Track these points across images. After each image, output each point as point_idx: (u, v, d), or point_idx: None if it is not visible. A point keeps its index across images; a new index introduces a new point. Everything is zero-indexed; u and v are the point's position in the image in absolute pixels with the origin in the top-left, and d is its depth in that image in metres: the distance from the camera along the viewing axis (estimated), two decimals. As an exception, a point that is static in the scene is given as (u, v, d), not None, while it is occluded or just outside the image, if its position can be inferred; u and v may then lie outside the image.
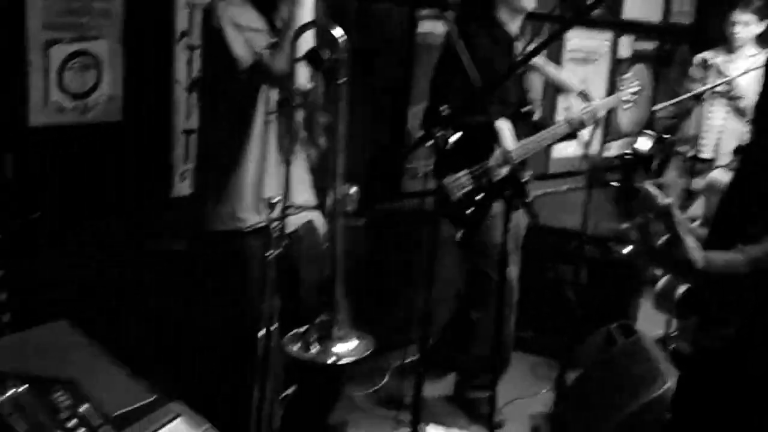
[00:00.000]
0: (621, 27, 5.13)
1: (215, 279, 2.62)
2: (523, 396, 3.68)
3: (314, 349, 1.92)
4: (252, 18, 2.41)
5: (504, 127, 3.18)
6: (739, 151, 3.00)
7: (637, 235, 1.47)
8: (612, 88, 4.99)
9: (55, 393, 1.52)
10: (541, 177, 4.68)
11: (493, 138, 3.05)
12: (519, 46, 3.32)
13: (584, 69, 4.89)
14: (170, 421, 1.35)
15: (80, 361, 1.65)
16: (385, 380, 3.74)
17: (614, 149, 5.15)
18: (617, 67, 5.16)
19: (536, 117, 3.40)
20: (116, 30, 2.84)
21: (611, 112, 4.45)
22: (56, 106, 2.75)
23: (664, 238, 1.43)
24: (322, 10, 2.36)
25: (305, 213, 2.51)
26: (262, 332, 2.08)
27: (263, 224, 2.03)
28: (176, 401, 1.41)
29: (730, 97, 4.47)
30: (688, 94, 4.36)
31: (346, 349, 1.93)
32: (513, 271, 3.39)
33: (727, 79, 4.35)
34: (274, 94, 2.46)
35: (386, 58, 3.73)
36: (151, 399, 1.44)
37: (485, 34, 3.23)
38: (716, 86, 4.34)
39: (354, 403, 3.53)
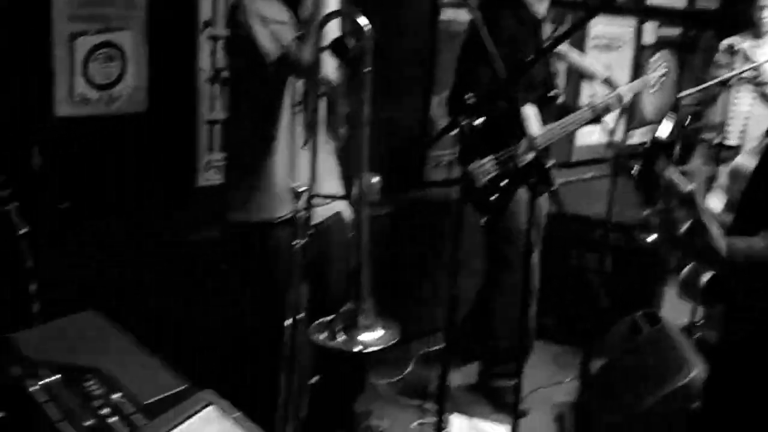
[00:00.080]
0: (645, 13, 5.08)
1: (244, 269, 2.64)
2: (547, 385, 3.67)
3: (340, 338, 1.92)
4: (277, 10, 2.42)
5: (530, 112, 3.16)
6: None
7: (659, 223, 1.45)
8: (636, 75, 4.94)
9: (87, 382, 1.54)
10: (565, 165, 4.67)
11: (518, 124, 3.03)
12: (546, 27, 3.30)
13: (608, 56, 4.85)
14: (201, 409, 1.36)
15: (110, 350, 1.67)
16: (409, 369, 3.75)
17: (638, 137, 5.11)
18: (641, 53, 5.10)
19: (561, 101, 3.39)
20: (140, 21, 2.85)
21: (637, 98, 4.40)
22: (82, 98, 2.78)
23: (687, 225, 1.42)
24: (347, -1, 2.36)
25: (333, 203, 2.52)
26: (288, 322, 2.10)
27: (291, 215, 2.04)
28: (206, 390, 1.42)
29: (757, 83, 4.42)
30: (714, 81, 4.32)
31: (371, 337, 1.93)
32: (534, 256, 3.38)
33: (754, 65, 4.30)
34: (301, 86, 2.47)
35: (409, 47, 3.72)
36: (182, 387, 1.46)
37: (510, 16, 3.20)
38: (743, 72, 4.29)
39: (378, 392, 3.54)
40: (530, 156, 3.19)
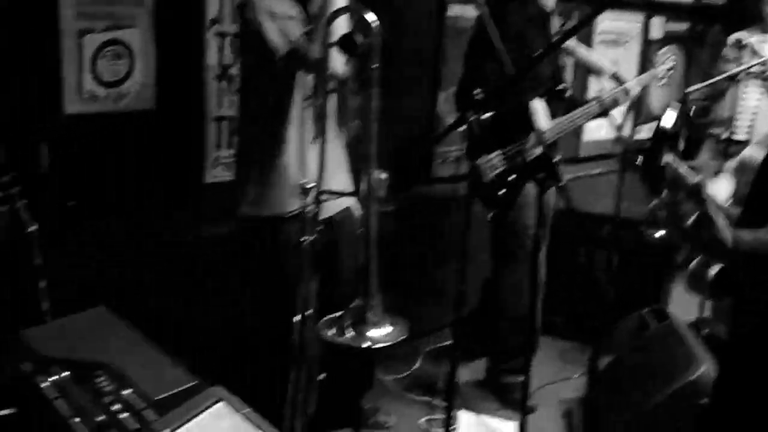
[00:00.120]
0: (653, 8, 5.06)
1: (254, 265, 2.64)
2: (555, 381, 3.67)
3: (349, 334, 1.93)
4: (286, 6, 2.43)
5: (538, 107, 3.16)
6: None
7: (666, 215, 1.45)
8: (643, 71, 4.93)
9: (98, 378, 1.55)
10: (572, 160, 4.66)
11: (526, 118, 3.03)
12: (554, 21, 3.29)
13: (615, 51, 4.84)
14: (212, 405, 1.37)
15: (121, 346, 1.67)
16: (416, 365, 3.75)
17: (646, 132, 5.09)
18: (648, 48, 5.09)
19: (569, 94, 3.38)
20: (148, 18, 2.86)
21: (644, 93, 4.39)
22: (90, 95, 2.79)
23: (694, 217, 1.41)
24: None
25: (342, 199, 2.53)
26: (297, 318, 2.10)
27: (301, 210, 2.05)
28: (216, 386, 1.42)
29: (765, 77, 4.39)
30: (723, 75, 4.30)
31: (380, 334, 1.94)
32: (541, 252, 3.38)
33: (762, 59, 4.28)
34: (311, 81, 2.48)
35: (416, 43, 3.72)
36: (192, 384, 1.46)
37: (518, 11, 3.19)
38: (751, 67, 4.27)
39: (386, 388, 3.54)
40: (538, 151, 3.19)
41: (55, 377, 1.56)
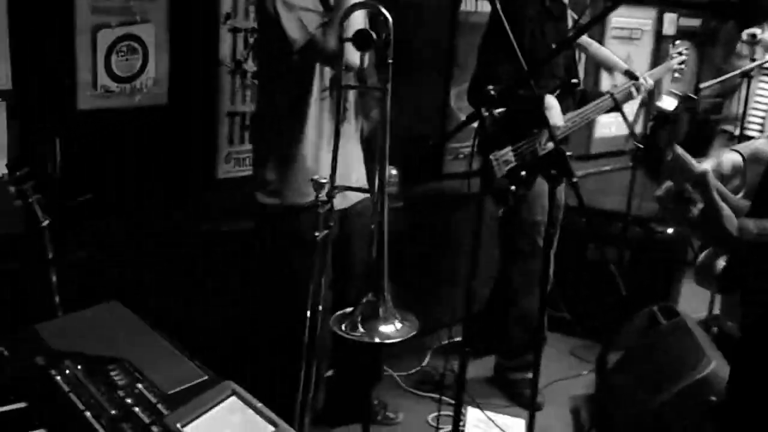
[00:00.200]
0: (666, 3, 5.04)
1: (266, 259, 2.66)
2: (564, 377, 3.68)
3: (360, 329, 1.94)
4: None
5: (551, 102, 3.16)
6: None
7: (672, 204, 1.44)
8: (656, 67, 4.91)
9: (111, 372, 1.56)
10: (583, 157, 4.65)
11: (538, 114, 3.03)
12: (569, 16, 3.28)
13: (627, 47, 4.82)
14: (225, 399, 1.38)
15: (133, 340, 1.68)
16: (425, 361, 3.76)
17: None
18: (661, 44, 5.07)
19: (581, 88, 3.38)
20: (162, 14, 2.87)
21: (657, 89, 4.37)
22: (104, 90, 2.80)
23: (699, 206, 1.41)
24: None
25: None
26: (309, 312, 2.12)
27: (316, 203, 2.07)
28: (229, 380, 1.44)
29: (779, 74, 4.38)
30: (736, 72, 4.28)
31: (391, 329, 1.95)
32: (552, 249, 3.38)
33: (775, 56, 4.26)
34: (328, 72, 2.50)
35: (429, 38, 3.72)
36: (205, 378, 1.47)
37: (533, 6, 3.18)
38: (764, 63, 4.25)
39: (394, 384, 3.56)
40: (550, 146, 3.18)
41: (69, 371, 1.58)
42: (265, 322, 2.71)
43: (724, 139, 4.72)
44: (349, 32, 2.02)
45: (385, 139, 1.97)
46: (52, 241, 2.43)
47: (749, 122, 4.48)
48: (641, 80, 3.40)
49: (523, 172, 3.22)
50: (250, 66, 3.12)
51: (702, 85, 4.51)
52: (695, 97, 3.62)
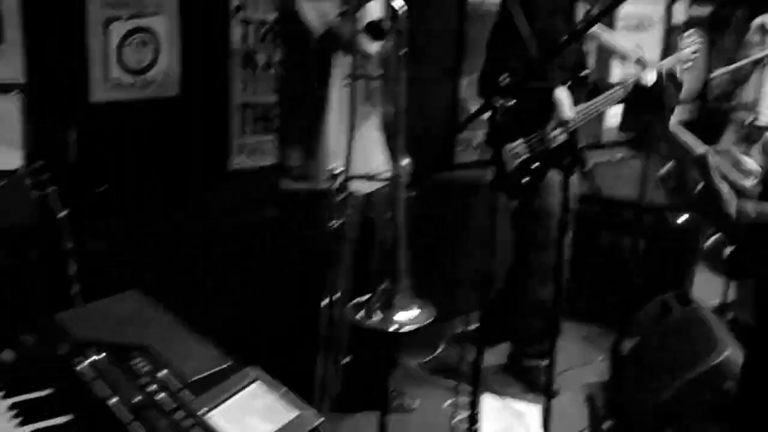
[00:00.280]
0: (675, -9, 5.03)
1: (294, 242, 2.68)
2: (578, 365, 3.68)
3: (377, 316, 1.95)
4: None
5: (562, 94, 3.15)
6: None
7: (673, 183, 1.44)
8: (666, 56, 4.89)
9: (134, 359, 1.57)
10: (594, 146, 4.64)
11: (549, 105, 3.03)
12: (580, 6, 3.27)
13: (637, 36, 4.80)
14: (248, 385, 1.39)
15: (155, 328, 1.69)
16: (440, 349, 3.77)
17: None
18: (671, 33, 5.05)
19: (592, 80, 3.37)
20: (173, 6, 2.88)
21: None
22: (116, 82, 2.81)
23: (700, 186, 1.41)
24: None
25: (383, 176, 2.57)
26: (325, 300, 2.13)
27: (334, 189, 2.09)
28: (251, 366, 1.45)
29: (790, 62, 4.35)
30: (747, 60, 4.26)
31: (407, 317, 1.96)
32: (566, 238, 3.38)
33: (787, 43, 4.24)
34: (349, 61, 2.52)
35: (438, 28, 3.72)
36: (227, 364, 1.48)
37: None
38: (775, 51, 4.23)
39: (409, 372, 3.57)
40: (562, 138, 3.18)
41: (92, 359, 1.59)
42: (284, 310, 2.72)
43: (735, 127, 4.70)
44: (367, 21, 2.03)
45: (399, 128, 1.97)
46: (69, 232, 2.45)
47: (760, 112, 4.46)
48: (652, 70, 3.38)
49: (535, 165, 3.22)
50: (262, 57, 3.13)
51: (713, 74, 4.50)
52: (677, 75, 3.56)
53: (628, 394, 3.16)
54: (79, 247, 2.50)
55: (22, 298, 2.54)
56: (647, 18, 4.89)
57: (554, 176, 3.19)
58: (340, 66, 2.54)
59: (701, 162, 1.37)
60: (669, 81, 3.44)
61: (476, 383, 2.31)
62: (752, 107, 4.45)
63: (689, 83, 5.19)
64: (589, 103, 3.27)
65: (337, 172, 2.06)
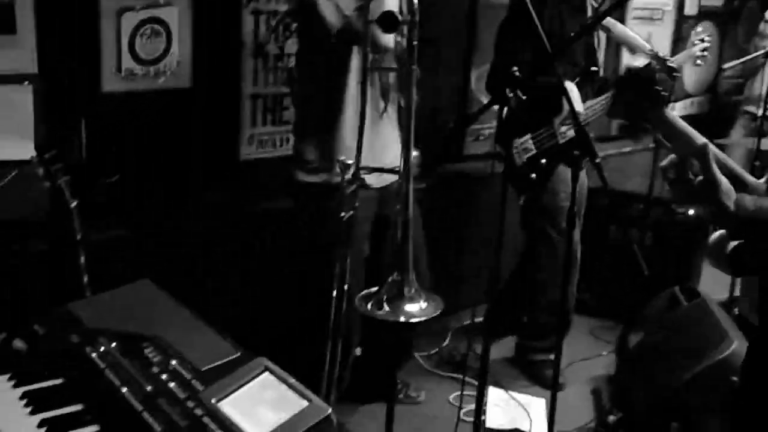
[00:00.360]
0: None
1: (308, 233, 2.70)
2: (585, 358, 3.69)
3: (385, 308, 1.96)
4: None
5: (571, 89, 3.14)
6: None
7: (673, 174, 1.43)
8: (677, 47, 4.87)
9: (145, 349, 1.58)
10: (603, 139, 4.63)
11: (559, 100, 3.02)
12: (590, 3, 3.26)
13: (648, 27, 4.78)
14: (259, 374, 1.40)
15: (166, 318, 1.70)
16: (446, 342, 3.78)
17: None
18: (683, 25, 5.03)
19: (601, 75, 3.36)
20: (185, -4, 2.89)
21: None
22: (128, 73, 2.82)
23: (700, 178, 1.40)
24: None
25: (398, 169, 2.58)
26: (335, 291, 2.14)
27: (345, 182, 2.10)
28: (262, 356, 1.46)
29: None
30: (758, 52, 4.25)
31: (416, 308, 1.97)
32: (575, 233, 3.38)
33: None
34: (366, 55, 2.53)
35: (449, 19, 3.71)
36: (238, 355, 1.49)
37: None
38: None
39: (416, 364, 3.58)
40: (571, 133, 3.17)
41: (103, 348, 1.60)
42: (294, 301, 2.74)
43: (746, 120, 4.69)
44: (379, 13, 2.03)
45: (410, 121, 1.98)
46: (80, 221, 2.46)
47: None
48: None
49: (543, 160, 3.22)
50: (272, 48, 3.14)
51: (724, 66, 4.48)
52: (671, 61, 3.53)
53: (635, 387, 3.17)
54: (90, 237, 2.52)
55: (33, 288, 2.56)
56: (659, 9, 4.87)
57: (565, 171, 3.18)
58: (357, 60, 2.54)
59: (701, 153, 1.36)
60: (660, 66, 3.43)
61: (483, 376, 2.31)
62: (763, 99, 4.43)
63: (699, 75, 5.18)
64: (597, 99, 3.26)
65: (348, 162, 2.07)
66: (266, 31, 3.09)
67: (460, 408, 2.74)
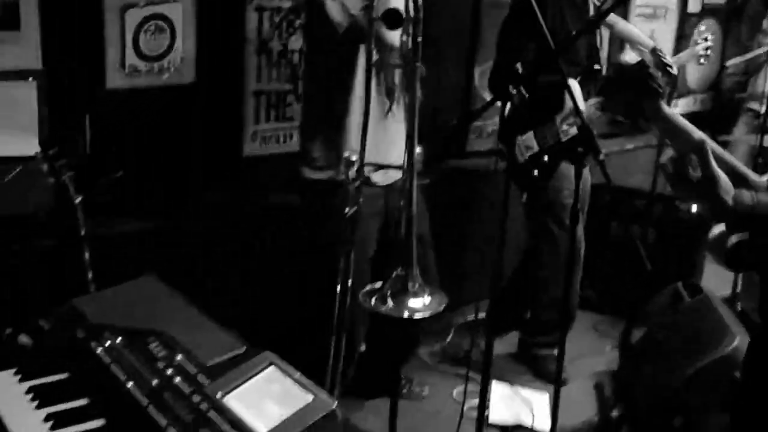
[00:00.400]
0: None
1: (314, 229, 2.70)
2: (587, 354, 3.69)
3: (389, 303, 1.96)
4: None
5: (573, 87, 3.14)
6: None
7: (672, 169, 1.43)
8: (680, 45, 4.87)
9: (151, 344, 1.59)
10: (606, 135, 4.63)
11: (561, 98, 3.02)
12: (592, 1, 3.26)
13: (652, 24, 4.78)
14: (264, 369, 1.41)
15: (171, 313, 1.71)
16: (449, 337, 3.79)
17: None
18: (686, 21, 5.02)
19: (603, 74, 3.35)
20: (189, -7, 2.89)
21: (681, 67, 4.34)
22: (132, 69, 2.83)
23: (699, 174, 1.40)
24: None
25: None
26: (338, 287, 2.14)
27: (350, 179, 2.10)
28: (267, 351, 1.46)
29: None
30: (761, 49, 4.24)
31: (420, 304, 1.97)
32: (579, 229, 3.38)
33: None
34: (375, 53, 2.53)
35: (453, 16, 3.71)
36: (243, 349, 1.50)
37: None
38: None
39: (419, 359, 3.59)
40: (574, 130, 3.17)
41: (109, 343, 1.61)
42: (299, 296, 2.74)
43: (748, 117, 4.69)
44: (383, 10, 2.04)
45: (414, 117, 1.98)
46: (84, 217, 2.47)
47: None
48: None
49: (546, 158, 3.22)
50: (276, 45, 3.14)
51: (727, 63, 4.48)
52: (667, 60, 3.53)
53: (637, 383, 3.17)
54: (95, 232, 2.52)
55: (37, 283, 2.57)
56: (662, 6, 4.86)
57: (568, 168, 3.18)
58: (364, 58, 2.55)
59: (699, 148, 1.36)
60: (656, 62, 3.43)
61: (486, 371, 2.32)
62: (766, 96, 4.44)
63: (702, 72, 5.17)
64: (599, 97, 3.25)
65: (353, 159, 2.07)
66: (270, 27, 3.09)
67: (464, 403, 2.74)
